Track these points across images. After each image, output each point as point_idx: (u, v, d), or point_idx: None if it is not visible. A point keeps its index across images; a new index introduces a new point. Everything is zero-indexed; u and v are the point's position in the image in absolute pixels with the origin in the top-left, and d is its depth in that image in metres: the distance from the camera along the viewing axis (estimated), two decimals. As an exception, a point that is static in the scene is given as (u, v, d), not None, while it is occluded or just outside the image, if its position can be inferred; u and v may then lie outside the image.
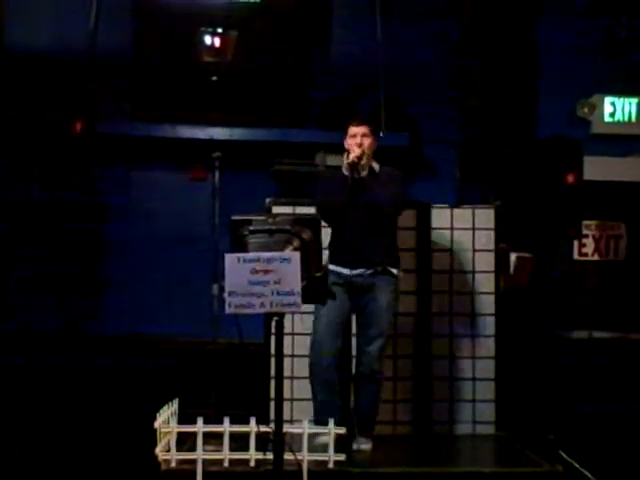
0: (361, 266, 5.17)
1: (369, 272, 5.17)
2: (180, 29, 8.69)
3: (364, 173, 5.20)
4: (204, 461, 4.63)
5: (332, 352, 5.14)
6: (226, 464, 4.69)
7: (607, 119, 8.90)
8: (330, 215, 5.14)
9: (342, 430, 4.75)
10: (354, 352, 5.41)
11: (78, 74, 8.43)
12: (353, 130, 5.23)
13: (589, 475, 5.31)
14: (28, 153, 8.33)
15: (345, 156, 5.24)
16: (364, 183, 5.17)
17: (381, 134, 7.99)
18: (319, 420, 5.02)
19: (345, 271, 5.15)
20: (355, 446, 5.17)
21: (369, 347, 5.16)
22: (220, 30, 8.73)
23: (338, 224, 5.18)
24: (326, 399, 5.15)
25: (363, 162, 5.17)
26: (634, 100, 8.86)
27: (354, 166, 5.13)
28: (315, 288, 3.75)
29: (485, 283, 6.03)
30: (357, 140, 5.19)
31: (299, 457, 4.40)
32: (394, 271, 5.24)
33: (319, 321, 5.15)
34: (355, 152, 5.14)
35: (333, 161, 7.24)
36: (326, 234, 4.86)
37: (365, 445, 5.21)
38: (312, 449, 4.64)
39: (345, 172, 5.19)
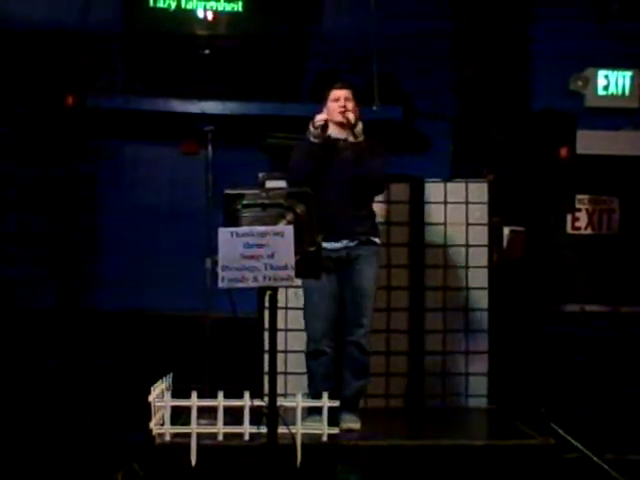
0: (343, 237, 5.02)
1: (352, 244, 5.05)
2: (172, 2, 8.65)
3: (360, 138, 5.00)
4: (198, 435, 4.65)
5: (325, 328, 5.03)
6: (220, 438, 4.71)
7: (601, 92, 8.87)
8: (301, 175, 4.91)
9: (336, 403, 4.77)
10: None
11: (70, 48, 8.39)
12: (336, 93, 5.05)
13: (581, 447, 5.34)
14: (20, 126, 8.30)
15: (322, 115, 5.02)
16: (352, 150, 5.00)
17: (374, 107, 7.98)
18: (315, 394, 4.97)
19: (328, 246, 4.84)
20: (343, 425, 4.95)
21: (358, 321, 5.02)
22: (213, 3, 8.68)
23: (314, 188, 4.60)
24: (321, 376, 5.07)
25: (359, 127, 4.99)
26: (628, 73, 8.83)
27: (351, 128, 4.96)
28: (309, 263, 3.75)
29: (478, 257, 6.03)
30: (340, 103, 5.01)
31: (293, 430, 4.42)
32: (377, 240, 5.14)
33: (310, 298, 5.06)
34: (349, 116, 4.97)
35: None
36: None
37: (353, 424, 5.01)
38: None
39: (311, 138, 4.98)
